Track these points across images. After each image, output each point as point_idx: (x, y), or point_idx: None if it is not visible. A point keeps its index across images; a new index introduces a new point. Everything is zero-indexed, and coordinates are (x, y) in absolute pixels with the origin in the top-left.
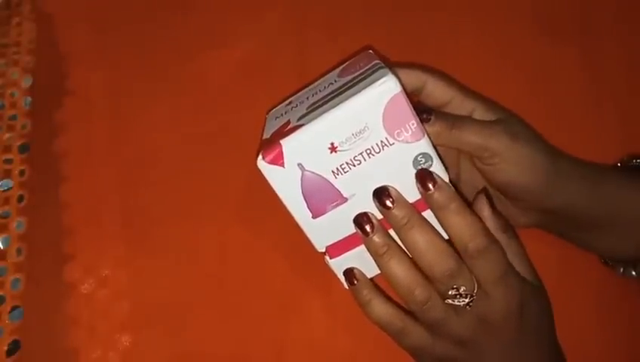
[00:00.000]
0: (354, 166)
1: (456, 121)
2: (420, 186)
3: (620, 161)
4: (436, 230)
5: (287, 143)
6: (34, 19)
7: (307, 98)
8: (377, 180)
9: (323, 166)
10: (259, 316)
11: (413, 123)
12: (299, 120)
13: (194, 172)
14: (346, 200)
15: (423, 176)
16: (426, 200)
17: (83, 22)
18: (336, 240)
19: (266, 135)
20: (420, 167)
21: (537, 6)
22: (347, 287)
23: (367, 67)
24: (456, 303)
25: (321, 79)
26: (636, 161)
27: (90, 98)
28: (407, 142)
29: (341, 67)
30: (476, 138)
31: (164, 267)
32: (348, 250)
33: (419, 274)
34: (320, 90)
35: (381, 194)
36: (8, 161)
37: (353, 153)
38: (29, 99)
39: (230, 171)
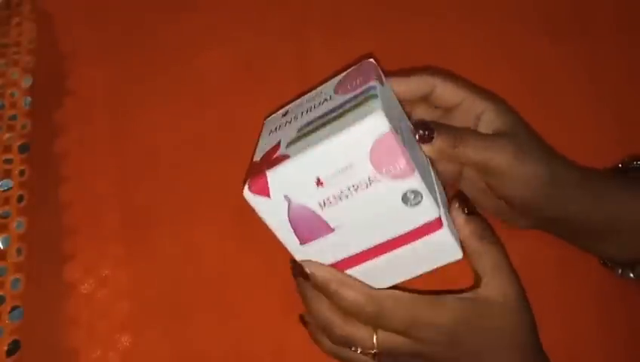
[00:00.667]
0: (340, 200)
1: (458, 137)
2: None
3: (620, 162)
4: (327, 303)
5: (273, 175)
6: (34, 19)
7: (301, 113)
8: (366, 213)
9: (309, 198)
10: (258, 316)
11: (402, 161)
12: (287, 146)
13: (194, 172)
14: (332, 230)
15: (297, 270)
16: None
17: (83, 22)
18: (328, 263)
19: (257, 155)
20: (408, 204)
21: (537, 6)
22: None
23: (362, 88)
24: (366, 357)
25: (321, 88)
26: (637, 163)
27: (90, 98)
28: (396, 179)
29: (340, 77)
30: (479, 156)
31: (163, 267)
32: (343, 270)
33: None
34: (315, 106)
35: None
36: (8, 161)
37: (339, 188)
38: (29, 99)
39: (230, 171)
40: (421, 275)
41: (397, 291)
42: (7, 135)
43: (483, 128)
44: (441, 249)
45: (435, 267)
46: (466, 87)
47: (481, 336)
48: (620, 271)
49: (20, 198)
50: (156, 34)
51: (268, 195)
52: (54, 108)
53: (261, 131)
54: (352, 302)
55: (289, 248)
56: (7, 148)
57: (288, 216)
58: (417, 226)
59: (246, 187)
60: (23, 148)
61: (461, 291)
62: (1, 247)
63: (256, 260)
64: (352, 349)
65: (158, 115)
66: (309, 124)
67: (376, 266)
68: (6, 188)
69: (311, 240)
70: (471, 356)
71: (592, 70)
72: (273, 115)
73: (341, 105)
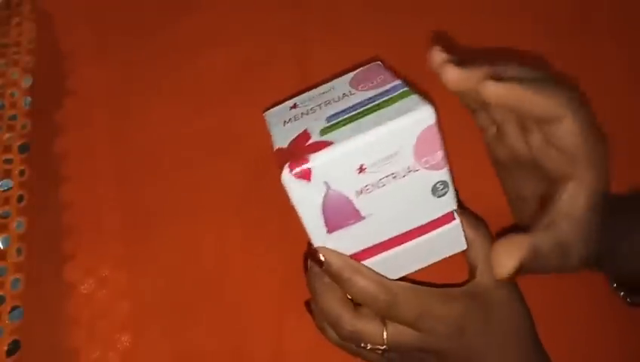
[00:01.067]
0: (377, 188)
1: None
2: (316, 264)
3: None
4: (337, 297)
5: (318, 160)
6: (34, 19)
7: (319, 106)
8: (396, 202)
9: (348, 185)
10: (258, 316)
11: (440, 153)
12: (323, 134)
13: (194, 172)
14: (362, 219)
15: (311, 255)
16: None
17: (83, 22)
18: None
19: (281, 142)
20: (436, 194)
21: (537, 6)
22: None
23: (389, 86)
24: (374, 354)
25: (327, 86)
26: None
27: (90, 98)
28: (431, 170)
29: (350, 76)
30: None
31: (163, 267)
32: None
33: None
34: (335, 100)
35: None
36: (8, 161)
37: (379, 176)
38: (29, 99)
39: (230, 171)
40: (425, 267)
41: (408, 282)
42: (7, 135)
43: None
44: (450, 240)
45: (441, 258)
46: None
47: (485, 327)
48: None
49: (20, 198)
50: (156, 34)
51: (308, 179)
52: (54, 109)
53: (268, 123)
54: (365, 289)
55: (313, 236)
56: (7, 148)
57: (322, 203)
58: (436, 217)
59: (286, 170)
60: (22, 148)
61: (458, 284)
62: (1, 247)
63: (256, 260)
64: (362, 345)
65: (158, 114)
66: (339, 114)
67: (390, 258)
68: (6, 188)
69: (338, 228)
70: (477, 348)
71: (592, 70)
72: (275, 108)
73: (372, 99)
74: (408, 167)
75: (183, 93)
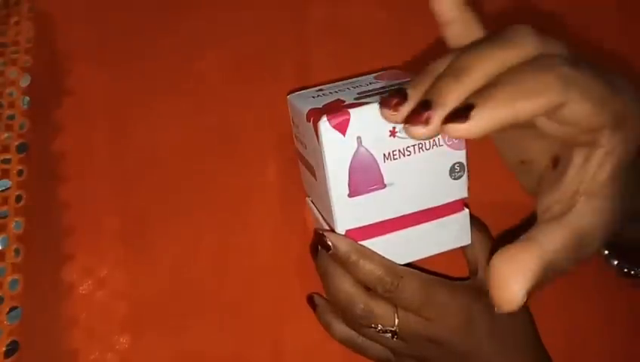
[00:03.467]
0: (403, 155)
1: None
2: (321, 247)
3: None
4: (349, 278)
5: (356, 113)
6: (32, 18)
7: (348, 88)
8: (416, 175)
9: (378, 146)
10: (258, 317)
11: None
12: (358, 99)
13: (193, 172)
14: (384, 186)
15: (318, 241)
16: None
17: (82, 21)
18: (358, 226)
19: (314, 105)
20: (453, 176)
21: (537, 6)
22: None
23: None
24: (386, 336)
25: (351, 80)
26: None
27: (89, 97)
28: (452, 148)
29: (371, 76)
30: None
31: (163, 268)
32: (365, 239)
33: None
34: (360, 85)
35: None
36: (6, 161)
37: (407, 143)
38: (28, 98)
39: (229, 171)
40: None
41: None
42: (5, 135)
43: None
44: (457, 231)
45: (445, 250)
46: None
47: (493, 327)
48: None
49: (18, 198)
50: (156, 34)
51: (344, 133)
52: (53, 108)
53: (293, 103)
54: (372, 272)
55: (334, 197)
56: (5, 148)
57: (351, 161)
58: (447, 202)
59: (324, 119)
60: (21, 148)
61: (461, 279)
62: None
63: (255, 261)
64: (372, 326)
65: (158, 115)
66: (370, 91)
67: (397, 240)
68: (4, 188)
69: (360, 193)
70: (486, 349)
71: None
72: (299, 92)
73: (399, 84)
74: (433, 140)
75: (182, 92)
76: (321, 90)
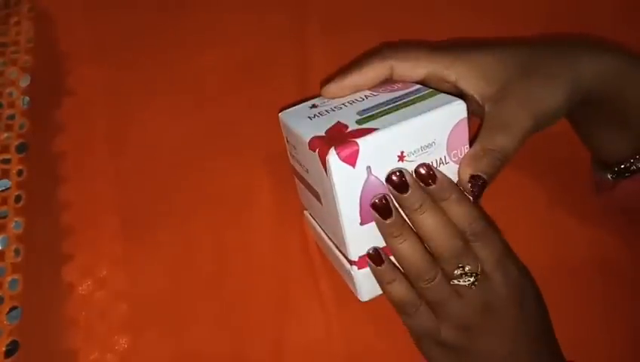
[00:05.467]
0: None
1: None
2: (421, 182)
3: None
4: (445, 214)
5: (365, 144)
6: (32, 18)
7: (344, 105)
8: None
9: (387, 172)
10: (257, 316)
11: (467, 147)
12: (361, 124)
13: (192, 172)
14: (396, 210)
15: (424, 173)
16: (429, 194)
17: (82, 21)
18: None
19: (316, 132)
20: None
21: (537, 6)
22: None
23: (412, 88)
24: (461, 283)
25: None
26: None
27: (88, 98)
28: (456, 164)
29: None
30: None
31: (162, 268)
32: None
33: (427, 256)
34: (357, 101)
35: (396, 179)
36: (6, 161)
37: (415, 165)
38: (27, 98)
39: (229, 171)
40: None
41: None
42: (5, 135)
43: (471, 91)
44: None
45: None
46: (428, 59)
47: (535, 303)
48: (609, 175)
49: (18, 198)
50: (156, 34)
51: (353, 165)
52: (53, 108)
53: (286, 121)
54: (469, 212)
55: (345, 226)
56: (5, 148)
57: (362, 190)
58: None
59: (332, 152)
60: (20, 148)
61: None
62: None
63: (255, 261)
64: (459, 266)
65: (157, 115)
66: (370, 109)
67: None
68: (4, 188)
69: (371, 220)
70: (529, 321)
71: None
72: (291, 108)
73: (400, 97)
74: (440, 159)
75: (181, 92)
76: (314, 106)
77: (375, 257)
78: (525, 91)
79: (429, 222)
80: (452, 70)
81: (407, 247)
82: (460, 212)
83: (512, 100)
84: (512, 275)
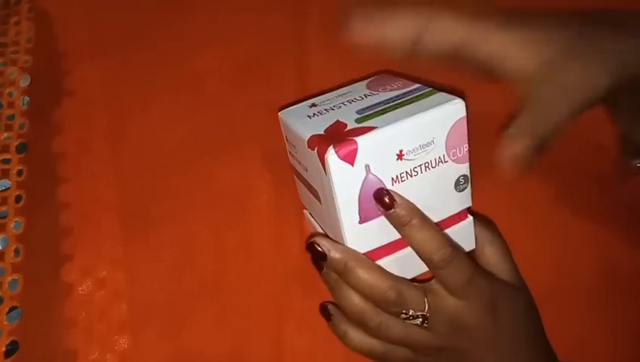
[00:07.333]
0: (411, 176)
1: None
2: (379, 206)
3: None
4: (377, 266)
5: (364, 142)
6: (32, 18)
7: (343, 104)
8: (424, 194)
9: (386, 171)
10: (257, 317)
11: (466, 146)
12: (360, 122)
13: (192, 172)
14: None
15: (382, 197)
16: (388, 219)
17: (82, 21)
18: (370, 249)
19: (314, 130)
20: (458, 188)
21: (537, 6)
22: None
23: (411, 87)
24: (414, 323)
25: (343, 90)
26: None
27: (88, 98)
28: (457, 163)
29: (364, 83)
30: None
31: (162, 268)
32: (375, 260)
33: (369, 304)
34: (356, 100)
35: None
36: (6, 161)
37: (414, 164)
38: (27, 98)
39: (228, 171)
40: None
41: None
42: (4, 135)
43: (509, 68)
44: (461, 238)
45: None
46: (467, 22)
47: (514, 316)
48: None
49: (18, 199)
50: (155, 34)
51: (352, 163)
52: (52, 108)
53: (286, 120)
54: (435, 234)
55: (344, 225)
56: (5, 148)
57: (360, 189)
58: (453, 213)
59: (332, 153)
60: (20, 148)
61: None
62: None
63: (254, 261)
64: (403, 312)
65: (157, 115)
66: (368, 108)
67: (403, 257)
68: (4, 188)
69: (370, 219)
70: (506, 332)
71: None
72: (291, 108)
73: (399, 97)
74: (439, 158)
75: (181, 92)
76: (314, 104)
77: (323, 312)
78: (568, 74)
79: (358, 276)
80: (491, 41)
81: (348, 296)
82: (423, 239)
83: (551, 84)
84: (485, 290)
